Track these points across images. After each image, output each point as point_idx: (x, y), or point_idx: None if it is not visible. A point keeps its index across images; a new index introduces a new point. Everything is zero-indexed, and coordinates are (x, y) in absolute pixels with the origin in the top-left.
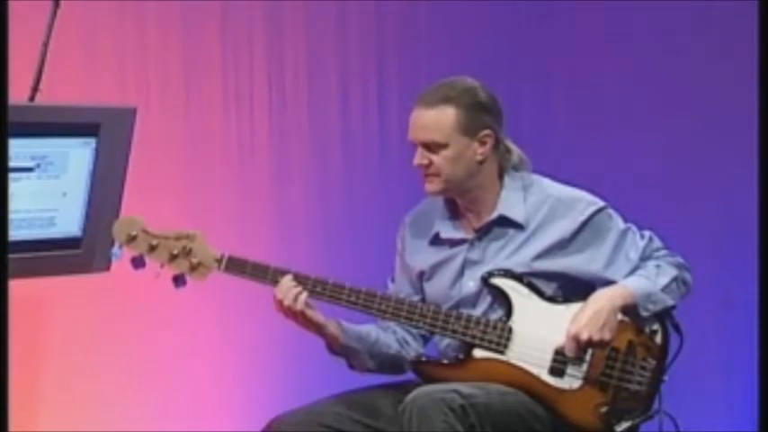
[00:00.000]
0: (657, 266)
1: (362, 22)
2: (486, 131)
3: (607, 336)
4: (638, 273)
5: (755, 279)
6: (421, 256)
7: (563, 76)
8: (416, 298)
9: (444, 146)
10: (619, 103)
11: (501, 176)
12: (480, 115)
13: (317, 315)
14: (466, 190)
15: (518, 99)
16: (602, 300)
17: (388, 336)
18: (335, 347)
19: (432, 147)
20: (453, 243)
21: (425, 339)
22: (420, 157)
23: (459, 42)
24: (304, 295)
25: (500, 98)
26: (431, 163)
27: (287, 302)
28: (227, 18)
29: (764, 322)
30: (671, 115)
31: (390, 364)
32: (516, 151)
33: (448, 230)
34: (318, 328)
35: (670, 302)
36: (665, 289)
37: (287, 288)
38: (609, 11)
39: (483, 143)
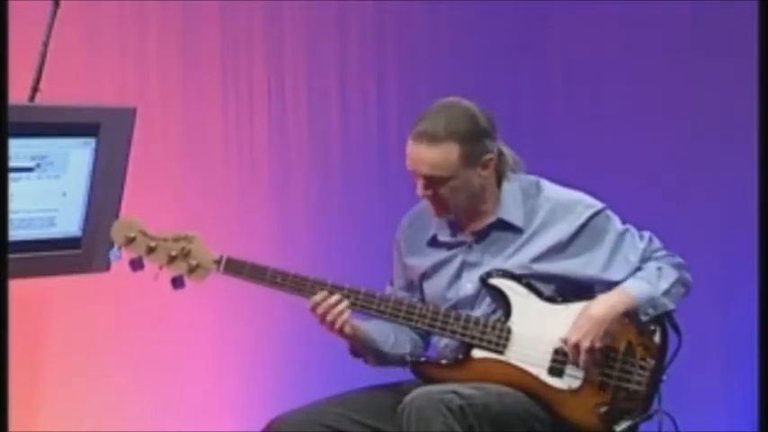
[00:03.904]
0: (659, 269)
1: (362, 22)
2: (489, 156)
3: (607, 344)
4: (639, 275)
5: (755, 279)
6: (419, 257)
7: (563, 76)
8: (414, 299)
9: (450, 179)
10: (619, 103)
11: (499, 182)
12: (482, 143)
13: (350, 329)
14: (470, 207)
15: (518, 99)
16: (603, 307)
17: (404, 335)
18: (358, 350)
19: (436, 180)
20: (451, 246)
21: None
22: (423, 189)
23: (458, 42)
24: (346, 315)
25: (500, 98)
26: (435, 194)
27: (330, 318)
28: (227, 18)
29: (764, 322)
30: (671, 115)
31: (402, 361)
32: (509, 153)
33: (445, 233)
34: (348, 338)
35: (671, 307)
36: (666, 293)
37: (329, 306)
38: (608, 11)
39: (486, 167)
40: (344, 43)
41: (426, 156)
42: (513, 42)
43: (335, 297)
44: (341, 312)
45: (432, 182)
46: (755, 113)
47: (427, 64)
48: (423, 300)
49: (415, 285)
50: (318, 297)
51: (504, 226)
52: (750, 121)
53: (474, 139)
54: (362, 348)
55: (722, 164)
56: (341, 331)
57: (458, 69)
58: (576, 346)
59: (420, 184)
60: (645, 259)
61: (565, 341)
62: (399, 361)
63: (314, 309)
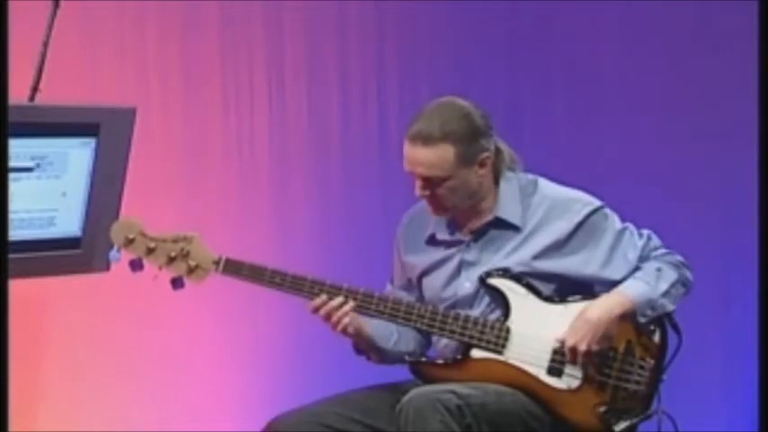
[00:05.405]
0: (658, 270)
1: (362, 22)
2: (485, 154)
3: (606, 347)
4: (638, 276)
5: (756, 279)
6: (418, 255)
7: (563, 76)
8: (412, 298)
9: (447, 178)
10: (619, 103)
11: (497, 179)
12: (477, 142)
13: (354, 329)
14: (469, 206)
15: (518, 99)
16: (600, 310)
17: (408, 334)
18: (361, 347)
19: (434, 180)
20: (449, 244)
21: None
22: (421, 189)
23: (458, 43)
24: (348, 317)
25: (500, 98)
26: (433, 194)
27: (333, 321)
28: (227, 18)
29: (764, 322)
30: (671, 115)
31: (403, 359)
32: (506, 149)
33: (444, 232)
34: (351, 337)
35: (670, 308)
36: (665, 294)
37: (331, 309)
38: (609, 11)
39: (483, 165)
40: (344, 43)
41: (422, 157)
42: (513, 42)
43: (338, 300)
44: (344, 314)
45: (429, 182)
46: (755, 113)
47: (427, 64)
48: (422, 299)
49: (414, 284)
50: (318, 301)
51: (501, 224)
52: (750, 121)
53: (469, 138)
54: (366, 346)
55: (722, 164)
56: (344, 331)
57: (458, 69)
58: (573, 350)
59: (418, 184)
60: (644, 258)
61: (562, 343)
62: (400, 359)
63: (315, 312)
